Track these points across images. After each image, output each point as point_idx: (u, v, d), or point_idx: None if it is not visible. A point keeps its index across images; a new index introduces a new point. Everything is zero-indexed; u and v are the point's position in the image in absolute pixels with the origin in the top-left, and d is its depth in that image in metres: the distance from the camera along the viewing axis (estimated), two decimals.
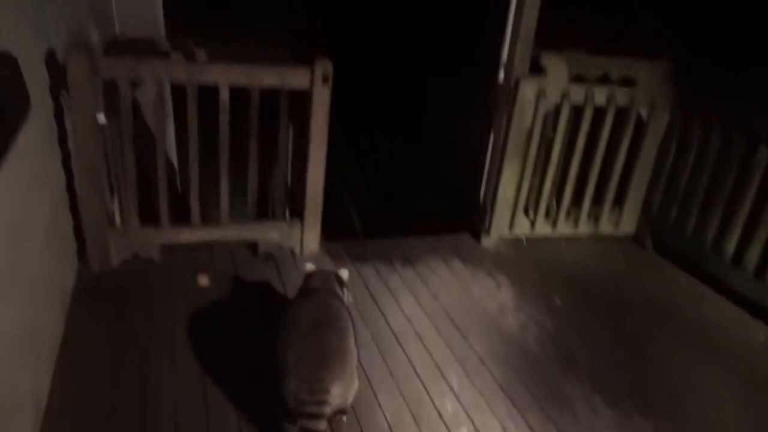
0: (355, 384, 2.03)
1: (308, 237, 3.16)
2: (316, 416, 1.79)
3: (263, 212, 3.24)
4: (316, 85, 2.81)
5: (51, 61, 2.43)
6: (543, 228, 3.64)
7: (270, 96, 2.88)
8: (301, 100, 2.92)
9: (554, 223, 3.64)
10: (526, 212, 3.61)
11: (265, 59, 2.89)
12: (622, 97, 3.37)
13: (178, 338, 2.48)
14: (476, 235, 3.61)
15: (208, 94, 2.83)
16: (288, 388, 1.90)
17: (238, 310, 2.72)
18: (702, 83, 3.39)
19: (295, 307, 2.19)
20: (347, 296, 2.34)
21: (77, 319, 2.50)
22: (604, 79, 3.39)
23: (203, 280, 2.88)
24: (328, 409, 1.84)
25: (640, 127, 3.50)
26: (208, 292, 2.82)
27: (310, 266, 2.39)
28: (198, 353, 2.41)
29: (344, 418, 2.08)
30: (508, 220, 3.54)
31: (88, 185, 2.67)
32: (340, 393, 1.90)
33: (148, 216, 2.94)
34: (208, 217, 3.09)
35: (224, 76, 2.76)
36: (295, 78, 2.83)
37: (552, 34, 3.31)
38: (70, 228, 2.72)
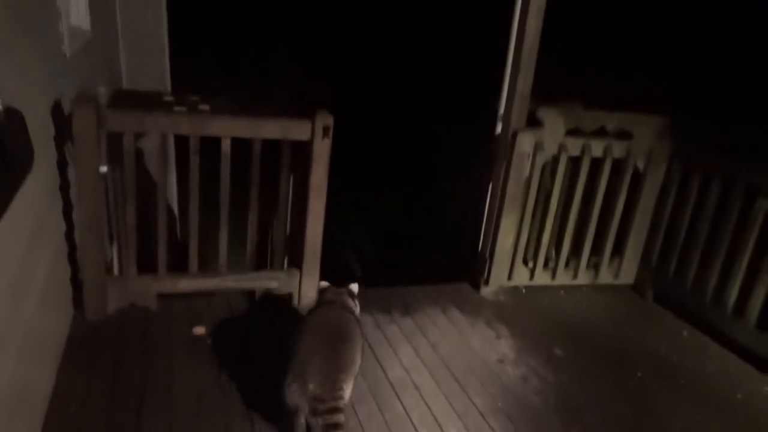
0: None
1: (306, 286, 3.15)
2: (338, 410, 2.04)
3: (262, 261, 3.24)
4: (317, 137, 2.86)
5: (57, 113, 2.48)
6: (542, 277, 3.63)
7: (271, 147, 2.93)
8: (301, 151, 2.97)
9: (553, 273, 3.64)
10: (525, 262, 3.61)
11: (267, 112, 2.96)
12: (618, 149, 3.42)
13: (173, 390, 2.44)
14: (475, 285, 3.59)
15: (209, 144, 2.88)
16: (307, 390, 2.06)
17: (234, 360, 2.68)
18: (698, 137, 3.45)
19: (313, 318, 2.40)
20: (358, 307, 2.55)
21: (70, 370, 2.47)
22: (601, 132, 3.45)
23: (199, 330, 2.86)
24: (343, 404, 2.08)
25: (638, 178, 3.54)
26: (205, 342, 2.79)
27: (323, 283, 2.62)
28: (194, 406, 2.36)
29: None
30: (508, 270, 3.53)
31: (88, 234, 2.68)
32: (347, 392, 2.15)
33: (146, 263, 2.94)
34: (208, 265, 3.09)
35: (228, 129, 2.82)
36: (297, 130, 2.89)
37: (548, 88, 3.40)
38: (67, 276, 2.71)
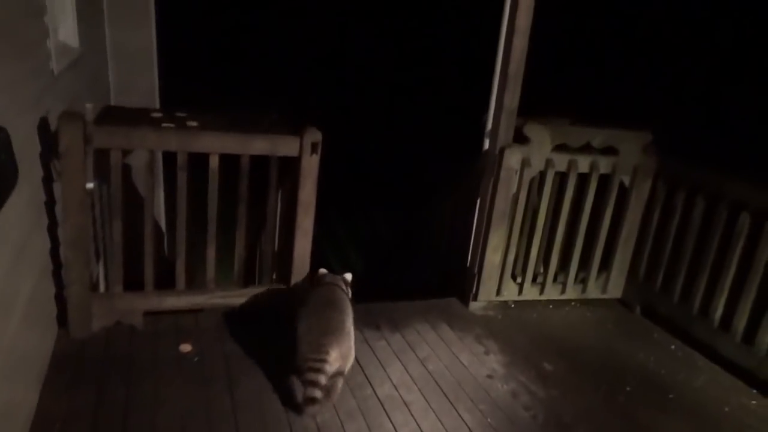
0: (352, 355, 2.57)
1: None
2: (318, 370, 2.28)
3: (250, 277, 3.23)
4: (305, 153, 2.87)
5: (43, 129, 2.47)
6: (531, 292, 3.64)
7: (259, 163, 2.93)
8: (290, 167, 2.98)
9: (542, 288, 3.64)
10: (514, 277, 3.62)
11: (256, 128, 2.97)
12: (604, 165, 3.46)
13: (159, 409, 2.40)
14: (464, 300, 3.59)
15: (198, 159, 2.87)
16: (298, 351, 2.40)
17: (222, 378, 2.66)
18: (683, 152, 3.50)
19: (312, 297, 2.73)
20: (350, 294, 2.87)
21: (54, 389, 2.43)
22: (587, 148, 3.49)
23: (186, 347, 2.83)
24: (327, 367, 2.32)
25: (624, 194, 3.57)
26: (192, 360, 2.76)
27: (322, 270, 2.95)
28: (180, 425, 2.33)
29: (340, 382, 2.46)
30: (496, 285, 3.54)
31: (73, 251, 2.66)
32: (337, 357, 2.40)
33: (133, 279, 2.91)
34: (195, 282, 3.06)
35: (216, 145, 2.82)
36: (285, 146, 2.90)
37: (535, 104, 3.44)
38: (51, 293, 2.68)
